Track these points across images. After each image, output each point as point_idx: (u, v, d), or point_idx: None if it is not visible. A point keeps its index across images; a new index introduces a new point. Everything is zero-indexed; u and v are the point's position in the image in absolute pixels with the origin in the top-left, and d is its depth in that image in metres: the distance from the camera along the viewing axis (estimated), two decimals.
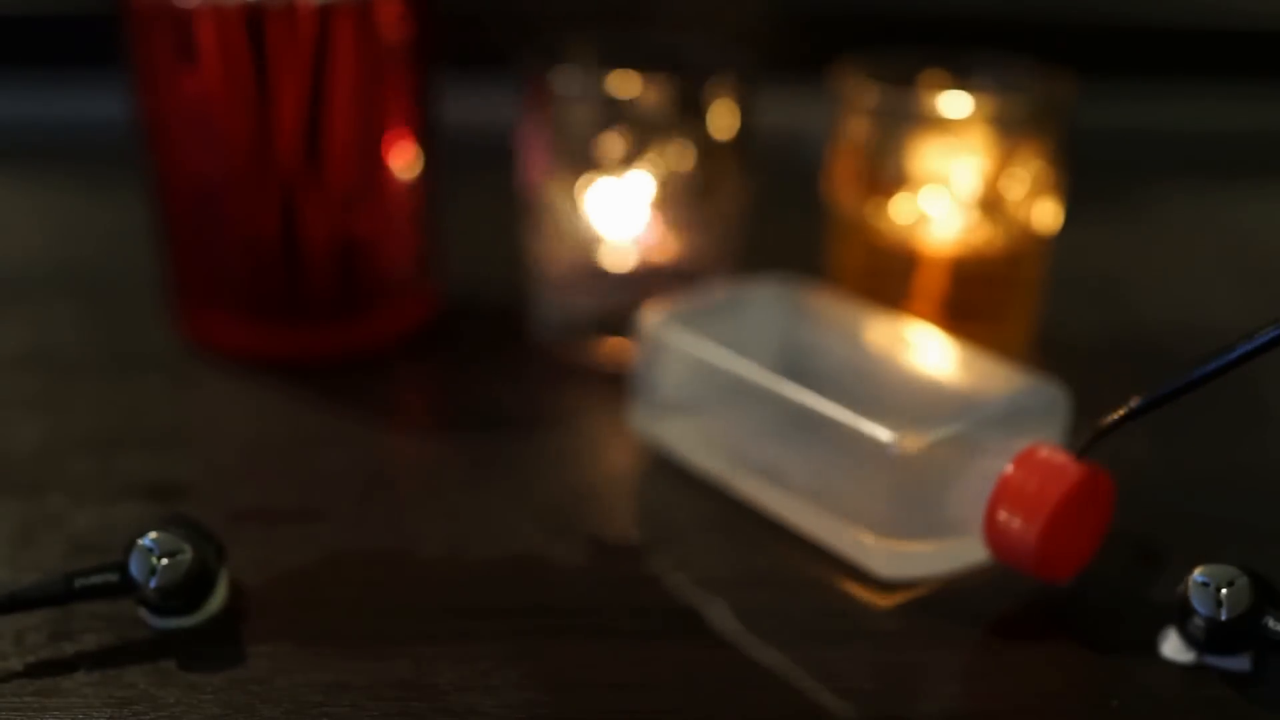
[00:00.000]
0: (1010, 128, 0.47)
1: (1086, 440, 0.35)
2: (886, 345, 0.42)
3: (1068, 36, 0.77)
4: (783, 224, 0.58)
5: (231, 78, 0.44)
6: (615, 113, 0.47)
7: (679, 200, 0.48)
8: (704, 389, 0.41)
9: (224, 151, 0.46)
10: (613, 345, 0.49)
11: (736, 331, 0.42)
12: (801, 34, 0.77)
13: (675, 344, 0.42)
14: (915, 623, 0.35)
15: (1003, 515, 0.35)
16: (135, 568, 0.33)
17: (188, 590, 0.34)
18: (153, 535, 0.33)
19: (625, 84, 0.47)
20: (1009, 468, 0.35)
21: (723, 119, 0.48)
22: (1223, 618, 0.32)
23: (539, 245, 0.50)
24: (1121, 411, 0.35)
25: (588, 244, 0.49)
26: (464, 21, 0.61)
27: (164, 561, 0.33)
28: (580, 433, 0.45)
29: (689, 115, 0.47)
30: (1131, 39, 0.81)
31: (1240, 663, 0.33)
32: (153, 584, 0.33)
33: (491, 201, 0.57)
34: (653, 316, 0.42)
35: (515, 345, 0.51)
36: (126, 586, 0.33)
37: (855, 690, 0.33)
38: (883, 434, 0.36)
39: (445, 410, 0.48)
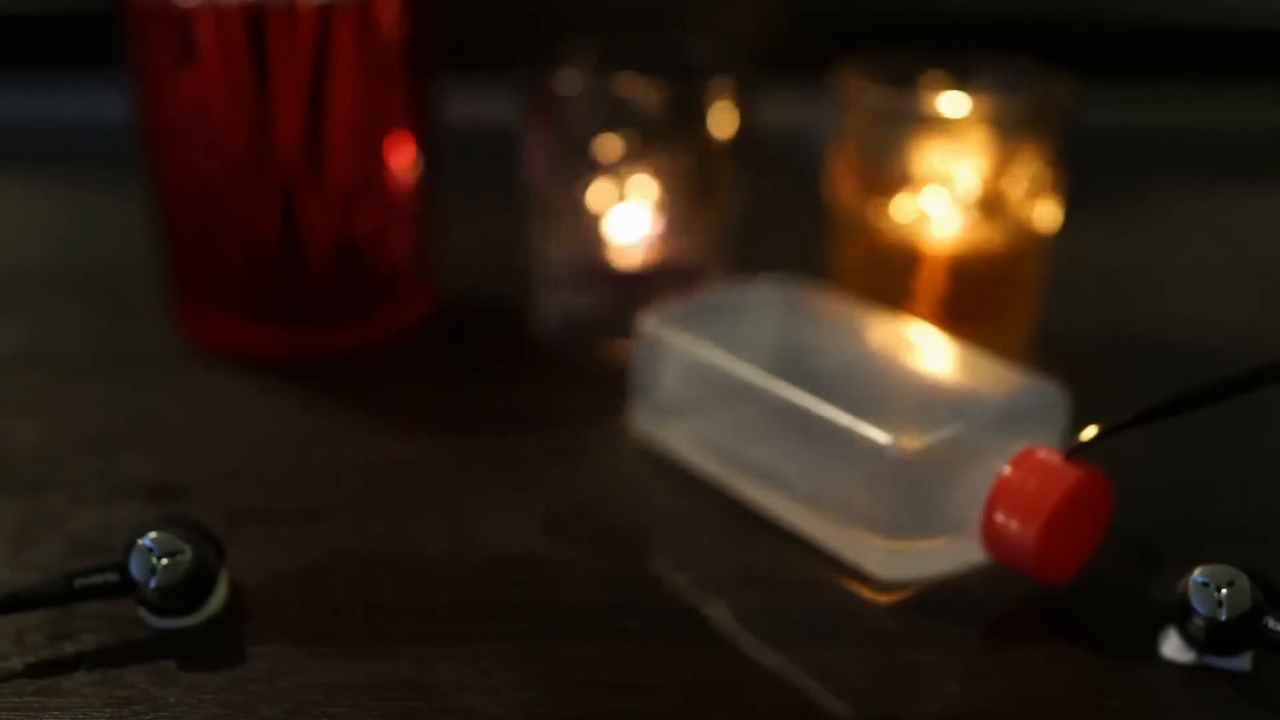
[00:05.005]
0: (1010, 128, 0.47)
1: (1073, 446, 0.35)
2: (886, 346, 0.42)
3: (1068, 36, 0.77)
4: (783, 224, 0.58)
5: (231, 78, 0.44)
6: (616, 113, 0.47)
7: (679, 200, 0.48)
8: (704, 389, 0.41)
9: (224, 151, 0.46)
10: (613, 345, 0.49)
11: (736, 332, 0.42)
12: (801, 34, 0.77)
13: (675, 344, 0.42)
14: (914, 623, 0.35)
15: (1000, 516, 0.35)
16: (135, 568, 0.33)
17: (188, 590, 0.34)
18: (153, 535, 0.33)
19: (626, 85, 0.47)
20: (1006, 469, 0.35)
21: (723, 119, 0.48)
22: (1223, 618, 0.32)
23: (540, 245, 0.50)
24: (1097, 430, 0.35)
25: (588, 244, 0.49)
26: (464, 21, 0.61)
27: (164, 561, 0.33)
28: (580, 433, 0.45)
29: (689, 116, 0.47)
30: (1131, 39, 0.81)
31: (1240, 663, 0.33)
32: (153, 584, 0.33)
33: (492, 201, 0.57)
34: (653, 317, 0.42)
35: (515, 345, 0.51)
36: (126, 586, 0.33)
37: (855, 690, 0.33)
38: (881, 435, 0.36)
39: (445, 410, 0.48)
